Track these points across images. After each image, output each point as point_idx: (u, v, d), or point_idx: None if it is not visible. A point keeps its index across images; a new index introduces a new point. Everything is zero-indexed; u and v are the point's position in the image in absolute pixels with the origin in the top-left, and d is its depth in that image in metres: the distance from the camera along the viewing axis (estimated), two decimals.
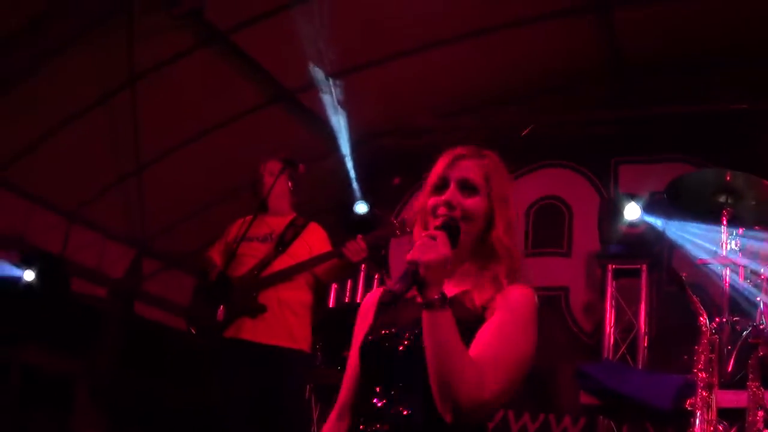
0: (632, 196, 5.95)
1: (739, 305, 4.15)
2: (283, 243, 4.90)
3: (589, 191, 6.90)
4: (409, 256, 2.01)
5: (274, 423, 4.64)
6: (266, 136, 6.92)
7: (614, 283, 6.12)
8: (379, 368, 2.20)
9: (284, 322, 4.73)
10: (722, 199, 4.18)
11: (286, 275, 4.77)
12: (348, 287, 7.51)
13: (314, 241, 4.99)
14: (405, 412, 2.09)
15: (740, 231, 4.25)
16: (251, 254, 4.89)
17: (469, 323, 2.11)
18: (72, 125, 6.32)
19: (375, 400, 2.16)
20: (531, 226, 6.92)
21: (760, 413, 3.27)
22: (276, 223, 5.04)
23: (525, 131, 6.99)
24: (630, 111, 6.77)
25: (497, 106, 7.35)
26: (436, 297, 1.97)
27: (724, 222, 4.14)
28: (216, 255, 5.06)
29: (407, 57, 6.63)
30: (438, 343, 1.96)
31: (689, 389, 3.59)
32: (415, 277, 1.98)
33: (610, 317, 6.09)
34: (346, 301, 7.44)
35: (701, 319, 3.37)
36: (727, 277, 4.15)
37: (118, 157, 6.82)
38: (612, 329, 6.06)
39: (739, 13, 5.96)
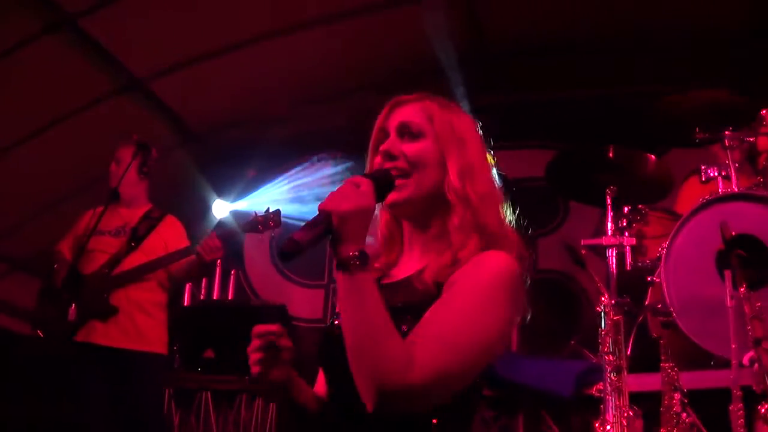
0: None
1: (627, 287, 4.06)
2: (136, 237, 4.53)
3: None
4: (321, 205, 1.68)
5: (132, 430, 4.24)
6: (117, 126, 6.43)
7: None
8: (329, 362, 1.93)
9: (137, 324, 4.37)
10: (605, 177, 4.10)
11: (138, 274, 4.40)
12: (203, 284, 7.03)
13: (170, 236, 4.62)
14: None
15: (625, 210, 4.16)
16: (102, 249, 4.48)
17: (416, 307, 1.74)
18: None
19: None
20: None
21: (677, 395, 3.06)
22: (129, 215, 4.65)
23: None
24: (491, 97, 6.68)
25: (357, 93, 7.07)
26: (351, 254, 1.64)
27: (609, 201, 4.06)
28: (66, 249, 4.61)
29: (259, 44, 6.32)
30: (354, 310, 1.64)
31: (591, 374, 3.46)
32: (328, 229, 1.66)
33: None
34: (202, 298, 6.97)
35: (602, 299, 3.25)
36: (613, 258, 4.06)
37: None
38: None
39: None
